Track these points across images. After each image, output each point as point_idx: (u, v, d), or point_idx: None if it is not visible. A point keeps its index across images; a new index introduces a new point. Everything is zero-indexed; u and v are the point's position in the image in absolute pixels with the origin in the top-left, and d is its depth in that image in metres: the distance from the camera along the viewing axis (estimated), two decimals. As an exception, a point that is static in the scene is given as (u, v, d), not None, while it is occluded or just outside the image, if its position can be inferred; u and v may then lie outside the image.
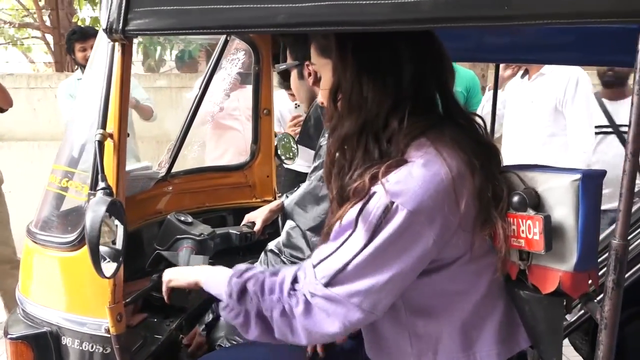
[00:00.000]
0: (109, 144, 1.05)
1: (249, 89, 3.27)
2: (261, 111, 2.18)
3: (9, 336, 1.19)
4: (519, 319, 1.04)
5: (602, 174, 0.94)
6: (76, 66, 4.06)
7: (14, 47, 8.70)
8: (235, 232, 1.85)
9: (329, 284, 0.95)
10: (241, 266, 1.08)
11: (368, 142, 1.00)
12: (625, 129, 2.71)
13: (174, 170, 2.00)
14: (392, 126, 1.00)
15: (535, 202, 0.95)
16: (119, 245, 1.00)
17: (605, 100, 2.89)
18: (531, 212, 0.94)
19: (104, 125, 1.06)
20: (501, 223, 0.96)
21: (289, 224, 1.52)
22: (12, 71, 5.87)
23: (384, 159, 0.99)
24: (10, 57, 8.31)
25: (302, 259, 1.42)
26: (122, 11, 0.98)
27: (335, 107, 1.06)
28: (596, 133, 2.76)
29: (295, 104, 2.63)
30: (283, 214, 1.88)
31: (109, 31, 0.99)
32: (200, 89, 1.98)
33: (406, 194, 0.90)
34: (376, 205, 0.92)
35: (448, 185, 0.92)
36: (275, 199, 2.26)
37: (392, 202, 0.90)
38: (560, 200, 0.92)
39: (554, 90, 2.67)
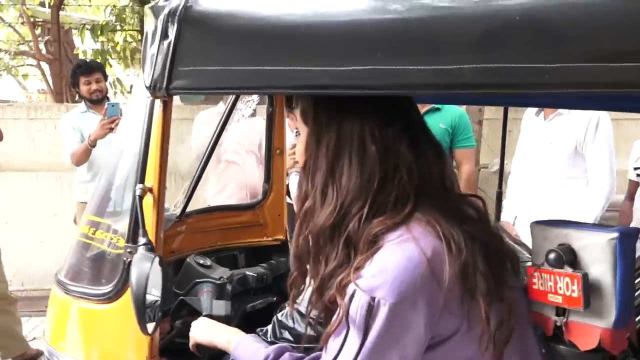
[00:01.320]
0: (148, 199, 1.06)
1: (250, 120, 3.31)
2: (274, 151, 2.20)
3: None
4: None
5: (637, 231, 0.97)
6: (77, 97, 4.08)
7: (9, 75, 8.70)
8: (252, 274, 1.85)
9: None
10: (269, 351, 1.08)
11: (342, 235, 0.97)
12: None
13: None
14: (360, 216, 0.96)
15: (571, 259, 0.97)
16: (158, 301, 1.00)
17: None
18: (568, 270, 0.96)
19: (142, 179, 1.07)
20: (484, 305, 0.91)
21: None
22: (7, 98, 5.87)
23: (349, 257, 0.96)
24: (4, 85, 8.31)
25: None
26: (167, 70, 1.00)
27: (313, 183, 1.01)
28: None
29: (296, 132, 2.65)
30: None
31: (153, 89, 1.01)
32: (217, 129, 2.00)
33: (384, 287, 0.89)
34: (359, 304, 0.91)
35: (424, 269, 0.89)
36: (286, 238, 2.28)
37: (373, 298, 0.89)
38: (598, 258, 0.95)
39: (574, 132, 2.61)
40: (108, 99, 3.75)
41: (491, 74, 0.88)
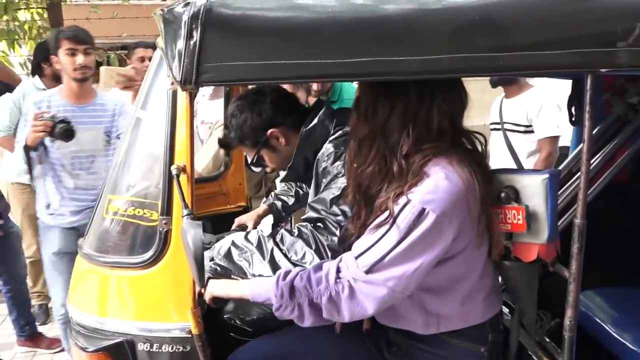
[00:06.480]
0: (182, 176, 1.24)
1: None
2: (232, 125, 2.38)
3: (87, 350, 1.33)
4: (498, 286, 1.40)
5: (559, 172, 1.33)
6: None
7: None
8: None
9: (369, 271, 1.22)
10: (280, 271, 1.32)
11: (380, 149, 1.29)
12: (509, 126, 3.25)
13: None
14: (406, 143, 1.27)
15: (515, 196, 1.31)
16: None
17: (503, 99, 3.40)
18: (514, 204, 1.30)
19: (171, 160, 1.25)
20: (495, 219, 1.29)
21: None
22: None
23: (402, 176, 1.27)
24: None
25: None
26: (194, 66, 1.17)
27: (359, 115, 1.34)
28: (491, 129, 3.32)
29: None
30: (275, 217, 2.13)
31: (183, 82, 1.18)
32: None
33: (436, 202, 1.19)
34: (411, 211, 1.20)
35: (464, 194, 1.22)
36: (247, 203, 2.49)
37: (424, 209, 1.19)
38: (535, 193, 1.29)
39: None
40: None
41: (461, 61, 1.16)
